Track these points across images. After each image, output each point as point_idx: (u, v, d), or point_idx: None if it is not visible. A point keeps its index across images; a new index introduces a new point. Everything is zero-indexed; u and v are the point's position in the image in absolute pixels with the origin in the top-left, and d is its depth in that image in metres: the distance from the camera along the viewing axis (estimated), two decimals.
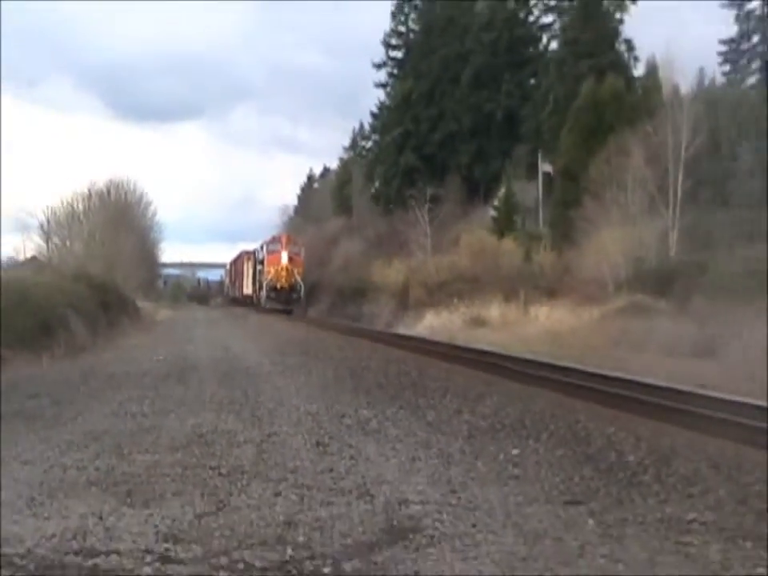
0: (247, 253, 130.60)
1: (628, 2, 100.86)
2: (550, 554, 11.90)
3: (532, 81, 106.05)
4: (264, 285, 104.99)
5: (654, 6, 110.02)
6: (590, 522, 13.65)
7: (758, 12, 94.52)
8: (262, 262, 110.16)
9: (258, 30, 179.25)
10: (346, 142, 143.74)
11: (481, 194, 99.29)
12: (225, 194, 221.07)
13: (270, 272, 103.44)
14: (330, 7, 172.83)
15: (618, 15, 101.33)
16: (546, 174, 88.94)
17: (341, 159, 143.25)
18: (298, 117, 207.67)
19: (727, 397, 26.78)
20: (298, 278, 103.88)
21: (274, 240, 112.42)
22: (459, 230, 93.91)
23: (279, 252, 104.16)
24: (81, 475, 16.12)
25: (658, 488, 15.98)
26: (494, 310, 73.16)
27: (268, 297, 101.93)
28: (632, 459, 18.29)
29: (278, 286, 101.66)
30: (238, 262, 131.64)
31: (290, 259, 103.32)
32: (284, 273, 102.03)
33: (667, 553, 12.20)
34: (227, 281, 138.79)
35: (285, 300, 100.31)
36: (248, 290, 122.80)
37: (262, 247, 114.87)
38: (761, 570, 11.67)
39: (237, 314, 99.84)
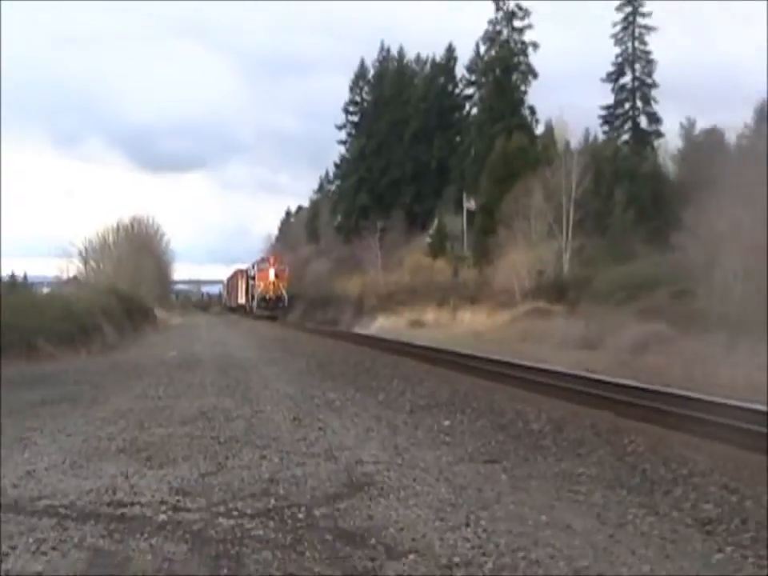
0: (240, 271, 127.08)
1: (531, 78, 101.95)
2: (472, 501, 11.95)
3: (458, 138, 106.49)
4: (255, 296, 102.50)
5: (550, 79, 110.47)
6: (504, 476, 13.68)
7: (629, 86, 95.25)
8: (253, 278, 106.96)
9: (248, 100, 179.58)
10: (315, 186, 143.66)
11: (419, 225, 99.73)
12: (222, 226, 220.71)
13: (260, 285, 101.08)
14: (303, 82, 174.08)
15: (523, 88, 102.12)
16: (469, 210, 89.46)
17: (311, 199, 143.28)
18: (278, 167, 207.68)
19: (606, 378, 27.03)
20: (283, 291, 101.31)
21: (264, 260, 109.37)
22: (402, 253, 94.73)
23: (268, 269, 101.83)
24: (111, 444, 16.11)
25: (555, 449, 16.06)
26: (430, 314, 73.42)
27: (259, 306, 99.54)
28: (535, 427, 18.39)
29: (267, 297, 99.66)
30: (233, 278, 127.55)
31: (277, 275, 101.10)
32: (272, 286, 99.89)
33: (562, 499, 12.28)
34: (224, 293, 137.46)
35: (272, 308, 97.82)
36: (242, 300, 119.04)
37: (253, 266, 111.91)
38: (633, 511, 11.79)
39: (232, 320, 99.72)
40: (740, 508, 11.75)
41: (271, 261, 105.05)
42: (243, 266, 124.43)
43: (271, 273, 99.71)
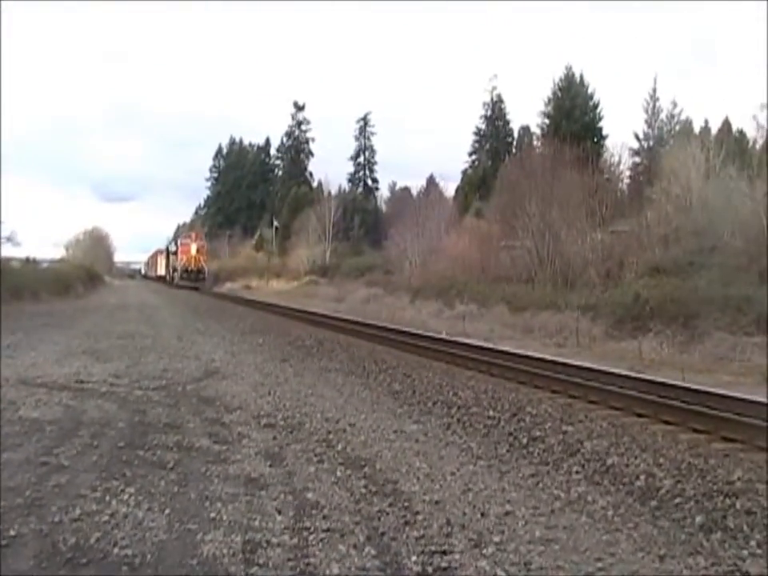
0: (159, 251, 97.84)
1: (310, 156, 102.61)
2: (273, 381, 12.04)
3: (271, 188, 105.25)
4: (178, 268, 71.21)
5: (321, 157, 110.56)
6: (290, 369, 13.76)
7: (362, 162, 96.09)
8: (175, 253, 75.69)
9: (159, 163, 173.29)
10: (193, 211, 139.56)
11: (249, 234, 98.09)
12: (143, 233, 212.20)
13: (183, 259, 70.19)
14: (188, 154, 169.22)
15: (306, 162, 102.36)
16: (276, 227, 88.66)
17: (192, 219, 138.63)
18: (174, 200, 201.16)
19: (349, 318, 27.10)
20: (204, 264, 70.81)
21: (186, 236, 76.97)
22: (240, 249, 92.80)
23: (190, 245, 70.72)
24: (78, 349, 15.86)
25: (320, 355, 16.17)
26: (254, 282, 72.40)
27: (181, 277, 69.51)
28: (308, 343, 18.42)
29: (189, 269, 69.10)
30: (153, 257, 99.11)
31: (198, 250, 70.57)
32: (193, 260, 69.26)
33: (320, 381, 12.43)
34: (144, 268, 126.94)
35: (194, 279, 68.35)
36: (161, 272, 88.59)
37: (175, 242, 79.86)
38: (357, 388, 12.01)
39: (147, 283, 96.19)
40: (413, 385, 12.03)
41: (193, 237, 74.52)
42: (162, 247, 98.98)
43: (193, 248, 70.60)
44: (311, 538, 5.04)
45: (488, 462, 7.44)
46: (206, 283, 69.83)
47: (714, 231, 29.29)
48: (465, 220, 51.86)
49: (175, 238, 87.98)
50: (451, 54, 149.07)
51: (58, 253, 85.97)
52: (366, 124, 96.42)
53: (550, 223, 33.37)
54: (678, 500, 6.13)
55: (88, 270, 66.58)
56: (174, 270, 74.40)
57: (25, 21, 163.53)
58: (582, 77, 64.73)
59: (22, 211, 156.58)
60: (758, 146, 42.77)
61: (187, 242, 72.12)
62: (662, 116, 63.36)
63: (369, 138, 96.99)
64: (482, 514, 5.70)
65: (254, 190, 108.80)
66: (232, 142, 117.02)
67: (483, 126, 79.97)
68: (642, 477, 6.74)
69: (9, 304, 31.21)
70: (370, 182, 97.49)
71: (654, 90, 63.45)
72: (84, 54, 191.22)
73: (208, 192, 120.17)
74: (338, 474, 6.68)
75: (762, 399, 9.63)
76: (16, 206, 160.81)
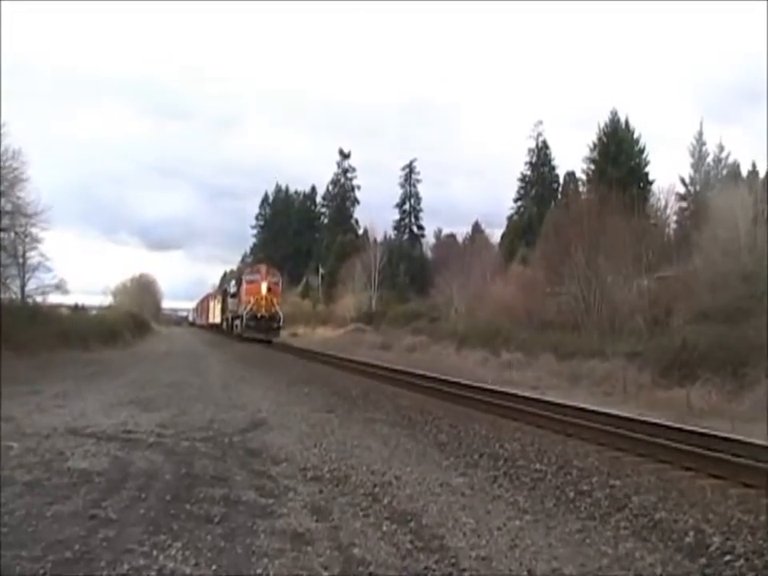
0: (211, 294, 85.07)
1: (356, 204, 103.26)
2: (318, 432, 12.03)
3: (317, 235, 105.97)
4: (243, 315, 50.44)
5: (366, 205, 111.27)
6: (336, 420, 13.71)
7: (407, 209, 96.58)
8: (234, 295, 56.28)
9: (206, 211, 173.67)
10: (240, 258, 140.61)
11: (296, 281, 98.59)
12: (189, 280, 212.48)
13: (249, 301, 50.01)
14: (234, 203, 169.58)
15: (351, 209, 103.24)
16: (322, 274, 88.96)
17: (238, 266, 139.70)
18: (220, 247, 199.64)
19: (394, 367, 26.96)
20: (278, 308, 50.59)
21: (254, 271, 54.72)
22: (286, 297, 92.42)
23: (259, 282, 50.55)
24: (125, 399, 15.96)
25: (365, 405, 16.12)
26: (300, 329, 72.15)
27: (248, 326, 49.71)
28: (354, 393, 18.39)
29: (259, 316, 49.21)
30: (203, 302, 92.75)
31: (270, 289, 50.50)
32: (264, 302, 49.48)
33: (367, 432, 12.41)
34: (193, 315, 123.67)
35: (266, 329, 49.47)
36: (214, 319, 71.06)
37: (237, 280, 57.80)
38: (402, 438, 11.98)
39: (195, 330, 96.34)
40: (459, 437, 11.99)
41: (263, 272, 52.41)
42: (212, 291, 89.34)
43: (263, 286, 50.35)
44: None
45: (534, 516, 7.38)
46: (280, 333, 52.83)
47: (762, 276, 28.95)
48: (510, 267, 51.92)
49: (233, 277, 70.79)
50: (496, 101, 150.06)
51: (106, 300, 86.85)
52: (411, 171, 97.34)
53: (596, 269, 33.17)
54: (728, 557, 6.03)
55: (135, 317, 67.00)
56: (236, 316, 54.72)
57: (64, 69, 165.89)
58: (627, 121, 64.69)
59: (71, 259, 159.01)
60: None
61: (255, 278, 52.04)
62: (709, 159, 63.17)
63: (414, 185, 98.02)
64: (529, 571, 5.66)
65: (300, 237, 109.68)
66: (278, 190, 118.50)
67: (529, 173, 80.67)
68: (691, 533, 6.64)
69: (58, 351, 31.69)
70: (415, 229, 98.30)
71: (700, 134, 63.27)
72: (133, 106, 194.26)
73: (254, 240, 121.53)
74: (384, 528, 6.67)
75: None
76: (64, 253, 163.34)
